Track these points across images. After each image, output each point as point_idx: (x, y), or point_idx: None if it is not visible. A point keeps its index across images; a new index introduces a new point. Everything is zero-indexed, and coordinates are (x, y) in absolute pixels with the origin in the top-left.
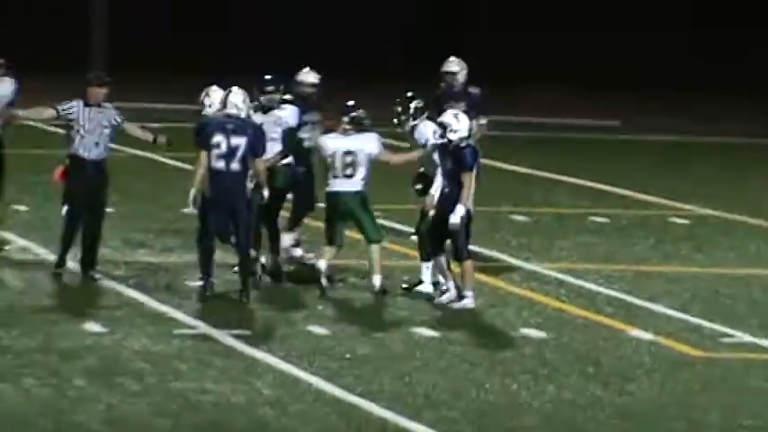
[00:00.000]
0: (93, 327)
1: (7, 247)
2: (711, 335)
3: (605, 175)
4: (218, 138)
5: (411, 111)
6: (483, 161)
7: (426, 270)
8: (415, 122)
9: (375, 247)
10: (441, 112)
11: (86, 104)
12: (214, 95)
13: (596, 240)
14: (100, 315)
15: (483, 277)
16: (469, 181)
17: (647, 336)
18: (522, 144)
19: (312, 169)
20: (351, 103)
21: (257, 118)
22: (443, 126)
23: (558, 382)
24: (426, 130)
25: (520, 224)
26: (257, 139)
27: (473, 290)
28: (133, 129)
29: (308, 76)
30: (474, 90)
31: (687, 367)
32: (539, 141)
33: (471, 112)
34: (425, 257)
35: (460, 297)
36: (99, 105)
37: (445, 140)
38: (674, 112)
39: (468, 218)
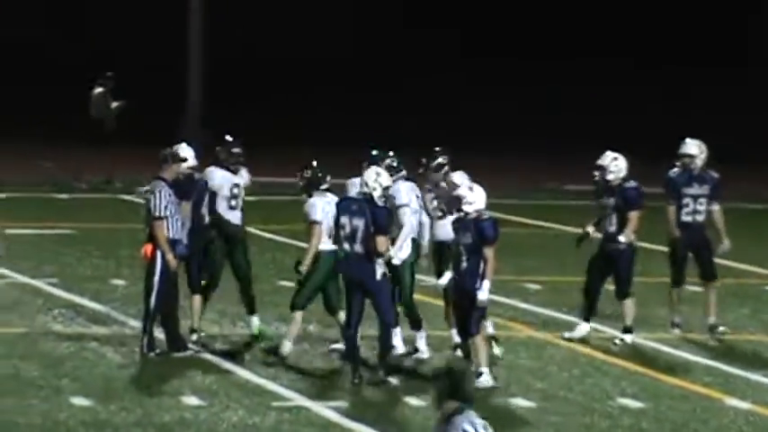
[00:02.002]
0: (191, 400)
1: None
2: None
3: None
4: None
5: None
6: (580, 231)
7: (421, 339)
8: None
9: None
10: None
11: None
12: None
13: (692, 309)
14: (198, 388)
15: (579, 347)
16: (492, 254)
17: (745, 405)
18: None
19: None
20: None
21: None
22: (458, 199)
23: None
24: (401, 192)
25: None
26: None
27: (488, 365)
28: None
29: None
30: (713, 174)
31: None
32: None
33: (705, 198)
34: (416, 327)
35: (477, 374)
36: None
37: (461, 214)
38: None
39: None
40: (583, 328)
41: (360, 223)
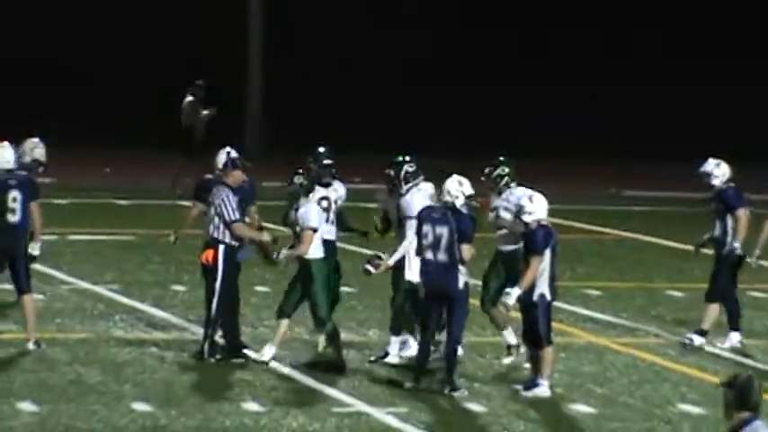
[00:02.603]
0: (251, 406)
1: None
2: None
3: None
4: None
5: (402, 176)
6: (646, 238)
7: (395, 344)
8: (407, 189)
9: None
10: None
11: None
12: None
13: (755, 315)
14: (258, 394)
15: (638, 353)
16: (536, 264)
17: None
18: (678, 218)
19: None
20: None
21: None
22: (520, 208)
23: None
24: (413, 205)
25: (676, 300)
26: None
27: (550, 378)
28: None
29: None
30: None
31: None
32: (694, 216)
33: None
34: (395, 332)
35: (535, 384)
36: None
37: (521, 223)
38: None
39: (547, 302)
40: (733, 337)
41: (444, 231)
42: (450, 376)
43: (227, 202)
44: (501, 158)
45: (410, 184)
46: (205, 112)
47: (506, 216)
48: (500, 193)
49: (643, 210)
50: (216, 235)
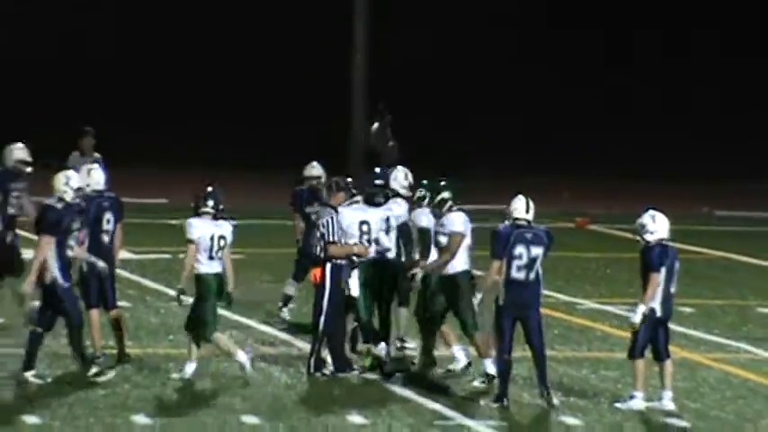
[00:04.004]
0: (356, 419)
1: (272, 341)
2: None
3: None
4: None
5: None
6: (738, 257)
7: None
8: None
9: None
10: None
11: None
12: None
13: None
14: (362, 407)
15: (730, 368)
16: (654, 281)
17: None
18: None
19: None
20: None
21: None
22: (642, 226)
23: None
24: (457, 221)
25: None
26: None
27: (644, 390)
28: None
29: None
30: None
31: None
32: None
33: None
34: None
35: (630, 396)
36: None
37: (643, 242)
38: None
39: (655, 318)
40: None
41: (539, 251)
42: (544, 384)
43: (329, 224)
44: (442, 181)
45: (449, 205)
46: (391, 144)
47: (443, 240)
48: (437, 216)
49: (735, 230)
50: (322, 254)
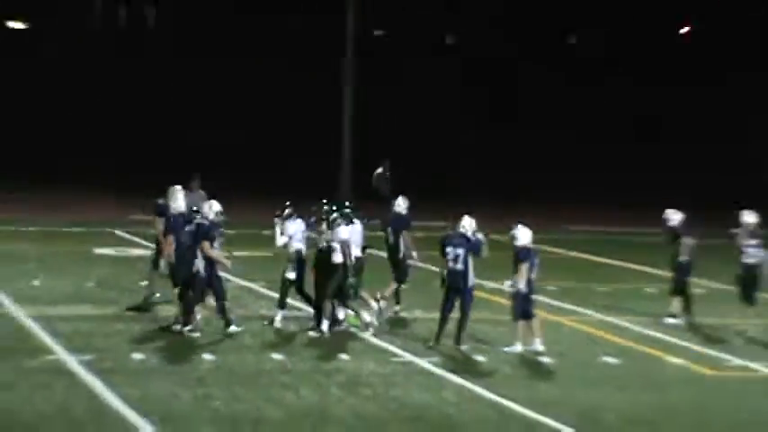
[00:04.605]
0: (343, 356)
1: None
2: None
3: None
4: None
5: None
6: (579, 254)
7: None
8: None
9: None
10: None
11: None
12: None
13: None
14: (347, 350)
15: (582, 326)
16: (522, 270)
17: None
18: None
19: None
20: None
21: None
22: (513, 237)
23: None
24: (340, 232)
25: None
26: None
27: (521, 340)
28: None
29: None
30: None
31: None
32: None
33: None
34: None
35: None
36: None
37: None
38: None
39: (525, 293)
40: None
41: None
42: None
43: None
44: (325, 201)
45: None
46: (386, 189)
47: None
48: (331, 229)
49: (583, 237)
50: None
